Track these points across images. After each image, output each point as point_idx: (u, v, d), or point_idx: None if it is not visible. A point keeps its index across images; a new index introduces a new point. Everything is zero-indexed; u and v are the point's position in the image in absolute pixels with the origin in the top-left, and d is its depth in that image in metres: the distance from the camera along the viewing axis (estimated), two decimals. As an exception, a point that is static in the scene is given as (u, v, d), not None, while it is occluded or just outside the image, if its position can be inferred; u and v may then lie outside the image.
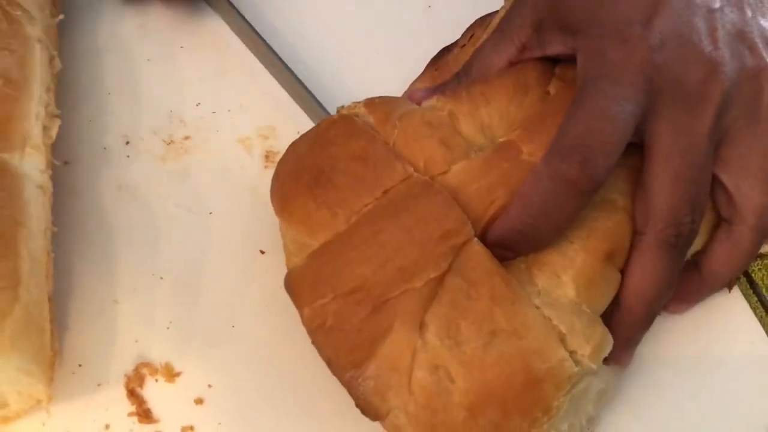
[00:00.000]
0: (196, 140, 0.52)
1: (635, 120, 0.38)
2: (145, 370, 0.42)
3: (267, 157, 0.51)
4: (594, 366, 0.37)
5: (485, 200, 0.39)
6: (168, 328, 0.44)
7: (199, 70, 0.55)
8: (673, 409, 0.44)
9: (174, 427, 0.41)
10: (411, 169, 0.40)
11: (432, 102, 0.45)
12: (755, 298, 0.50)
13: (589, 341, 0.37)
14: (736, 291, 0.47)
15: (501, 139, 0.42)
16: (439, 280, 0.37)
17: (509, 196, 0.39)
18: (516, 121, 0.43)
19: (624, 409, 0.43)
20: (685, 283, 0.43)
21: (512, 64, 0.44)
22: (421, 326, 0.36)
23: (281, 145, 0.51)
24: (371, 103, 0.44)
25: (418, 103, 0.46)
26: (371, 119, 0.43)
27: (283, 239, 0.43)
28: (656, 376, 0.44)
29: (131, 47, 0.56)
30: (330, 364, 0.38)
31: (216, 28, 0.57)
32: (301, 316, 0.39)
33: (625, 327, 0.40)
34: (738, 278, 0.46)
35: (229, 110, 0.53)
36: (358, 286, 0.37)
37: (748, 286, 0.49)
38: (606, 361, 0.39)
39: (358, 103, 0.45)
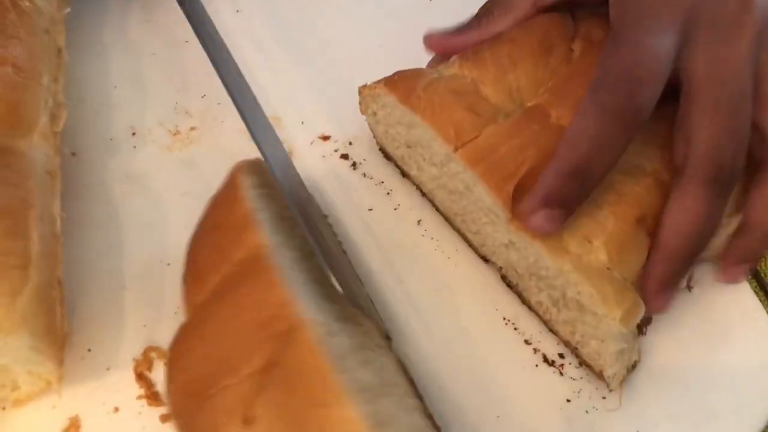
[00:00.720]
0: (202, 131, 0.53)
1: (674, 53, 0.38)
2: (153, 354, 0.43)
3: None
4: (625, 330, 0.37)
5: (516, 159, 0.40)
6: (176, 313, 0.44)
7: (204, 63, 0.55)
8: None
9: (182, 410, 0.41)
10: (258, 240, 0.36)
11: (455, 69, 0.45)
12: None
13: (621, 305, 0.37)
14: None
15: (529, 104, 0.43)
16: (266, 371, 0.32)
17: (539, 156, 0.39)
18: (543, 82, 0.43)
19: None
20: (650, 265, 0.40)
21: (534, 7, 0.45)
22: (248, 421, 0.32)
23: (286, 136, 0.52)
24: (390, 81, 0.45)
25: (437, 50, 0.48)
26: (392, 97, 0.44)
27: None
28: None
29: (137, 41, 0.57)
30: None
31: (221, 22, 0.57)
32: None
33: (662, 266, 0.39)
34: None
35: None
36: (190, 377, 0.34)
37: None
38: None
39: (378, 82, 0.46)
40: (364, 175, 0.51)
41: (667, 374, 0.44)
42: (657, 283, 0.39)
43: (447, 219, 0.48)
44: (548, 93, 0.43)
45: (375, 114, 0.48)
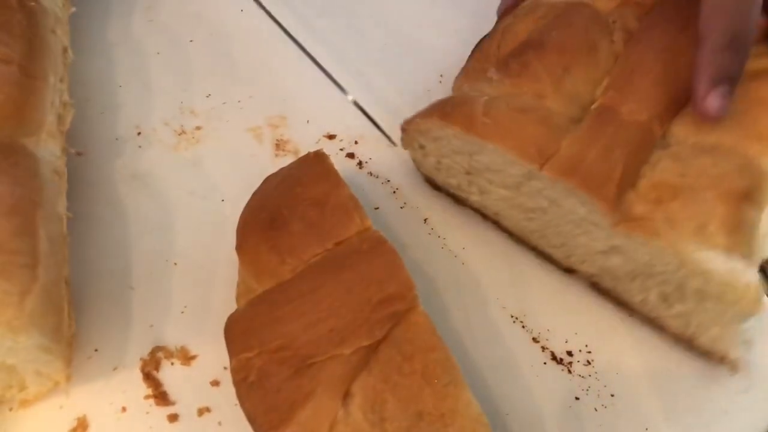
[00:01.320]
0: (207, 130, 0.52)
1: None
2: (160, 354, 0.43)
3: (278, 145, 0.52)
4: (756, 312, 0.38)
5: (608, 164, 0.39)
6: (182, 312, 0.44)
7: (209, 62, 0.56)
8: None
9: (190, 409, 0.41)
10: (368, 222, 0.38)
11: (506, 87, 0.44)
12: None
13: (749, 289, 0.37)
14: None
15: (594, 105, 0.42)
16: (373, 348, 0.34)
17: (628, 155, 0.39)
18: (598, 80, 0.43)
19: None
20: (698, 66, 0.39)
21: None
22: (347, 396, 0.34)
23: (291, 134, 0.52)
24: (443, 112, 0.43)
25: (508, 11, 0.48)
26: (452, 129, 0.43)
27: (238, 277, 0.42)
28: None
29: (141, 41, 0.56)
30: (250, 420, 0.36)
31: (225, 21, 0.57)
32: (230, 365, 0.37)
33: (708, 60, 0.38)
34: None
35: (239, 101, 0.54)
36: (285, 344, 0.35)
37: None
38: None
39: (425, 116, 0.44)
40: (371, 173, 0.51)
41: (678, 371, 0.44)
42: (708, 81, 0.38)
43: (518, 237, 0.47)
44: (611, 90, 0.42)
45: (423, 147, 0.47)
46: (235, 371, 0.36)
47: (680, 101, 0.41)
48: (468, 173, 0.46)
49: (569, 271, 0.46)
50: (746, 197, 0.39)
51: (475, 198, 0.47)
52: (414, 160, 0.49)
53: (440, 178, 0.48)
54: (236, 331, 0.37)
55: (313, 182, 0.40)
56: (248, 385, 0.35)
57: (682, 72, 0.41)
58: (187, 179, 0.50)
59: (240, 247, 0.40)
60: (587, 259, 0.44)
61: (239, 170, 0.50)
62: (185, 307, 0.44)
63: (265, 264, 0.38)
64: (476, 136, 0.42)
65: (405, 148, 0.48)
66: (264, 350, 0.35)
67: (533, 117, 0.42)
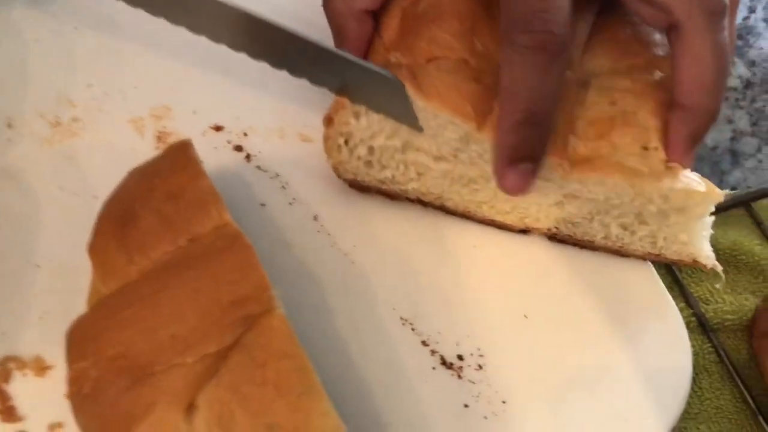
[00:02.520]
0: (85, 122, 0.49)
1: None
2: (11, 365, 0.39)
3: (159, 138, 0.48)
4: (717, 200, 0.40)
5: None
6: (41, 318, 0.40)
7: (93, 50, 0.52)
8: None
9: (40, 426, 0.37)
10: (227, 216, 0.35)
11: (403, 60, 0.42)
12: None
13: (703, 184, 0.40)
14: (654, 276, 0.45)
15: None
16: (222, 356, 0.31)
17: (560, 103, 0.39)
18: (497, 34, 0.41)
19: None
20: (674, 128, 0.39)
21: None
22: (190, 408, 0.30)
23: (175, 126, 0.49)
24: None
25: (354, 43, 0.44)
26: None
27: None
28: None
29: (21, 27, 0.52)
30: None
31: (115, 10, 0.54)
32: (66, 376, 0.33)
33: (690, 124, 0.38)
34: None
35: (121, 90, 0.50)
36: (122, 351, 0.31)
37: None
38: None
39: None
40: (259, 167, 0.47)
41: (575, 378, 0.41)
42: (686, 141, 0.38)
43: (466, 214, 0.46)
44: None
45: (348, 141, 0.43)
46: (70, 383, 0.32)
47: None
48: (404, 149, 0.43)
49: (524, 232, 0.45)
50: (673, 103, 0.40)
51: (413, 185, 0.44)
52: (336, 167, 0.45)
53: (370, 176, 0.45)
54: (74, 339, 0.33)
55: (172, 174, 0.37)
56: (82, 398, 0.32)
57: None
58: (59, 174, 0.46)
59: (91, 247, 0.37)
60: (541, 217, 0.44)
61: (116, 165, 0.46)
62: (45, 312, 0.41)
63: (112, 264, 0.35)
64: (413, 91, 0.40)
65: (327, 152, 0.44)
66: (100, 359, 0.31)
67: (465, 77, 0.40)
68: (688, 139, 0.39)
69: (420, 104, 0.40)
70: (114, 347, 0.31)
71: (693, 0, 0.36)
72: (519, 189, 0.38)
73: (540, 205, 0.43)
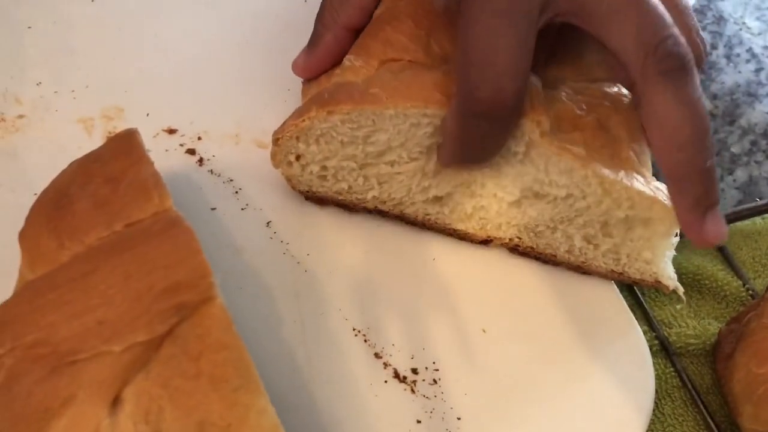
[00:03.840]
0: (32, 119, 0.47)
1: (538, 13, 0.34)
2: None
3: (108, 138, 0.46)
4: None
5: None
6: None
7: (46, 50, 0.50)
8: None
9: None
10: (169, 202, 0.33)
11: (356, 62, 0.41)
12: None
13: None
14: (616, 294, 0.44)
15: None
16: (154, 346, 0.29)
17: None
18: (456, 38, 0.40)
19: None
20: (677, 204, 0.36)
21: None
22: (116, 402, 0.28)
23: (127, 126, 0.46)
24: (323, 102, 0.39)
25: (306, 74, 0.44)
26: (342, 112, 0.38)
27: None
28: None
29: (-29, 24, 0.51)
30: None
31: (69, 8, 0.52)
32: None
33: (687, 192, 0.34)
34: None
35: (72, 90, 0.48)
36: (42, 338, 0.29)
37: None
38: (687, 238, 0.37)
39: (301, 115, 0.40)
40: (211, 171, 0.45)
41: (534, 395, 0.39)
42: (694, 210, 0.34)
43: (424, 224, 0.44)
44: None
45: (299, 158, 0.42)
46: None
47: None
48: (363, 166, 0.42)
49: (486, 243, 0.44)
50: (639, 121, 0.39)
51: (373, 194, 0.43)
52: (289, 179, 0.43)
53: (326, 188, 0.43)
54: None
55: (113, 159, 0.35)
56: None
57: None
58: (-1, 170, 0.44)
59: (21, 234, 0.34)
60: (502, 222, 0.42)
61: (60, 163, 0.43)
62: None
63: (43, 249, 0.32)
64: (371, 107, 0.38)
65: (276, 166, 0.43)
66: (17, 345, 0.29)
67: (421, 70, 0.39)
68: (697, 207, 0.35)
69: (389, 112, 0.39)
70: (33, 333, 0.28)
71: (648, 59, 0.33)
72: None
73: (500, 204, 0.42)
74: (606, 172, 0.38)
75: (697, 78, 0.35)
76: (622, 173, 0.38)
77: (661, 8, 0.35)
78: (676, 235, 0.41)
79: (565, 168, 0.39)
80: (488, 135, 0.37)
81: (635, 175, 0.39)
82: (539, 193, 0.41)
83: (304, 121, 0.39)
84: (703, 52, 0.39)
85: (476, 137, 0.37)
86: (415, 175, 0.42)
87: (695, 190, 0.34)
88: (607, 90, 0.41)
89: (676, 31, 0.34)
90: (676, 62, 0.34)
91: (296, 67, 0.45)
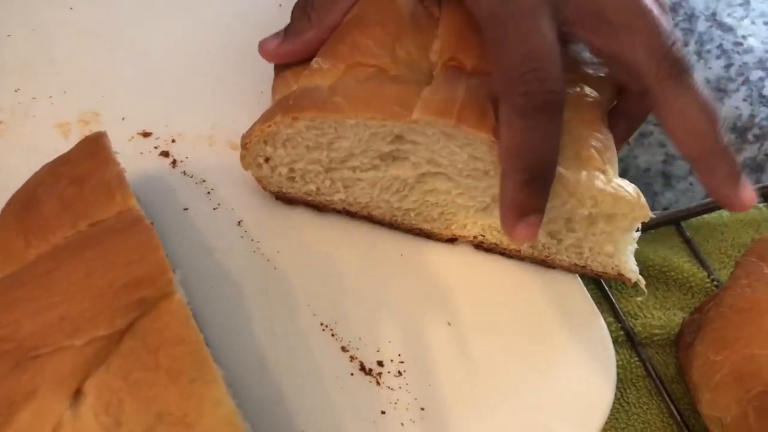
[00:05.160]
0: (10, 125, 0.48)
1: (553, 17, 0.37)
2: None
3: (84, 139, 0.47)
4: (645, 217, 0.40)
5: (477, 100, 0.39)
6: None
7: (24, 58, 0.51)
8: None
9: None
10: (132, 201, 0.34)
11: (338, 71, 0.42)
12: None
13: (636, 194, 0.40)
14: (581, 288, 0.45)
15: (437, 70, 0.41)
16: (115, 340, 0.30)
17: (490, 96, 0.39)
18: (426, 43, 0.42)
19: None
20: (708, 181, 0.39)
21: None
22: (77, 395, 0.29)
23: (102, 130, 0.48)
24: (288, 108, 0.40)
25: (276, 59, 0.45)
26: (305, 118, 0.40)
27: None
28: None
29: (-49, 33, 0.52)
30: None
31: (48, 16, 0.54)
32: None
33: (716, 168, 0.38)
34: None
35: (50, 96, 0.49)
36: (6, 334, 0.30)
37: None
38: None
39: (267, 120, 0.41)
40: (184, 173, 0.47)
41: (497, 386, 0.40)
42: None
43: (392, 224, 0.45)
44: (447, 52, 0.41)
45: (268, 160, 0.43)
46: None
47: None
48: (328, 170, 0.43)
49: (451, 241, 0.45)
50: (603, 120, 0.41)
51: (339, 196, 0.44)
52: (260, 180, 0.45)
53: (295, 189, 0.44)
54: None
55: (80, 161, 0.36)
56: None
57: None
58: (-26, 174, 0.45)
59: None
60: (468, 223, 0.43)
61: (36, 166, 0.45)
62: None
63: (11, 249, 0.33)
64: (333, 115, 0.39)
65: (246, 168, 0.44)
66: None
67: (384, 81, 0.40)
68: (728, 181, 0.38)
69: (350, 122, 0.40)
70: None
71: (661, 66, 0.37)
72: (528, 238, 0.38)
73: (468, 210, 0.43)
74: (568, 174, 0.39)
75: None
76: (584, 173, 0.39)
77: (663, 18, 0.38)
78: (637, 230, 0.42)
79: None
80: (549, 132, 0.37)
81: (597, 173, 0.40)
82: None
83: (270, 126, 0.41)
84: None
85: (539, 138, 0.37)
86: (375, 184, 0.43)
87: (723, 168, 0.38)
88: (570, 91, 0.41)
89: (676, 36, 0.38)
90: (683, 65, 0.37)
91: (266, 52, 0.45)
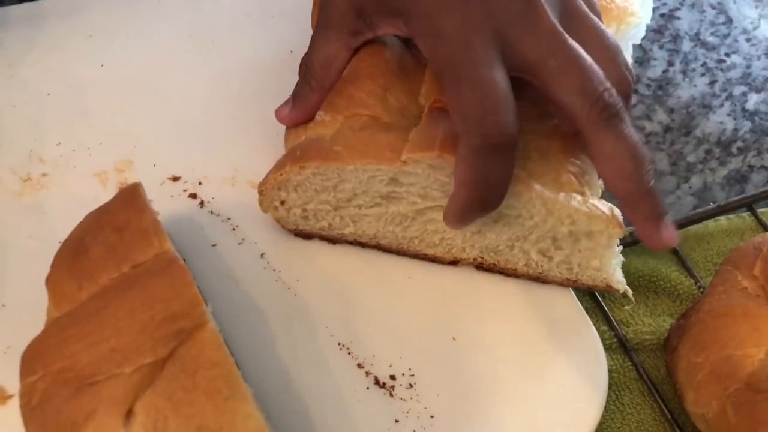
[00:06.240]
0: (54, 176, 0.53)
1: (501, 62, 0.41)
2: (-20, 396, 0.42)
3: (121, 188, 0.52)
4: (621, 233, 0.44)
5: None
6: (5, 353, 0.44)
7: (64, 113, 0.57)
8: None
9: (0, 448, 0.40)
10: (167, 245, 0.39)
11: (337, 123, 0.47)
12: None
13: (610, 213, 0.44)
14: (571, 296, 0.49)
15: (425, 112, 0.46)
16: (158, 367, 0.35)
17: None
18: (414, 89, 0.47)
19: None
20: (632, 218, 0.43)
21: (350, 49, 0.48)
22: (129, 415, 0.34)
23: (135, 177, 0.53)
24: (295, 158, 0.46)
25: (289, 122, 0.50)
26: (311, 167, 0.45)
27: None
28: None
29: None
30: None
31: (82, 74, 0.59)
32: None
33: (638, 208, 0.42)
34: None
35: (88, 148, 0.55)
36: (68, 365, 0.35)
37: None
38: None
39: (278, 171, 0.46)
40: (211, 212, 0.52)
41: (499, 393, 0.44)
42: (649, 225, 0.42)
43: (399, 251, 0.50)
44: (432, 95, 0.46)
45: (284, 203, 0.48)
46: (21, 396, 0.36)
47: None
48: (337, 209, 0.48)
49: (454, 263, 0.49)
50: (580, 147, 0.45)
51: (349, 230, 0.49)
52: (278, 220, 0.50)
53: (309, 226, 0.50)
54: (26, 357, 0.37)
55: (120, 210, 0.41)
56: (31, 409, 0.35)
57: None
58: (28, 224, 0.50)
59: (48, 279, 0.41)
60: (466, 246, 0.48)
61: (81, 213, 0.50)
62: (8, 347, 0.44)
63: (65, 290, 0.39)
64: (334, 163, 0.45)
65: (265, 211, 0.50)
66: (48, 372, 0.35)
67: (376, 129, 0.46)
68: (650, 221, 0.42)
69: (350, 167, 0.45)
70: (60, 361, 0.35)
71: (592, 110, 0.40)
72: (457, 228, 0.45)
73: (464, 234, 0.47)
74: (547, 193, 0.44)
75: (629, 115, 0.42)
76: (562, 194, 0.44)
77: (596, 66, 0.41)
78: (619, 245, 0.46)
79: (512, 192, 0.44)
80: (501, 168, 0.41)
81: (574, 195, 0.44)
82: (496, 219, 0.46)
83: (281, 174, 0.47)
84: (632, 83, 0.44)
85: (491, 174, 0.41)
86: (380, 219, 0.48)
87: (646, 208, 0.42)
88: (548, 123, 0.46)
89: (608, 83, 0.41)
90: (612, 110, 0.41)
91: (282, 118, 0.51)
